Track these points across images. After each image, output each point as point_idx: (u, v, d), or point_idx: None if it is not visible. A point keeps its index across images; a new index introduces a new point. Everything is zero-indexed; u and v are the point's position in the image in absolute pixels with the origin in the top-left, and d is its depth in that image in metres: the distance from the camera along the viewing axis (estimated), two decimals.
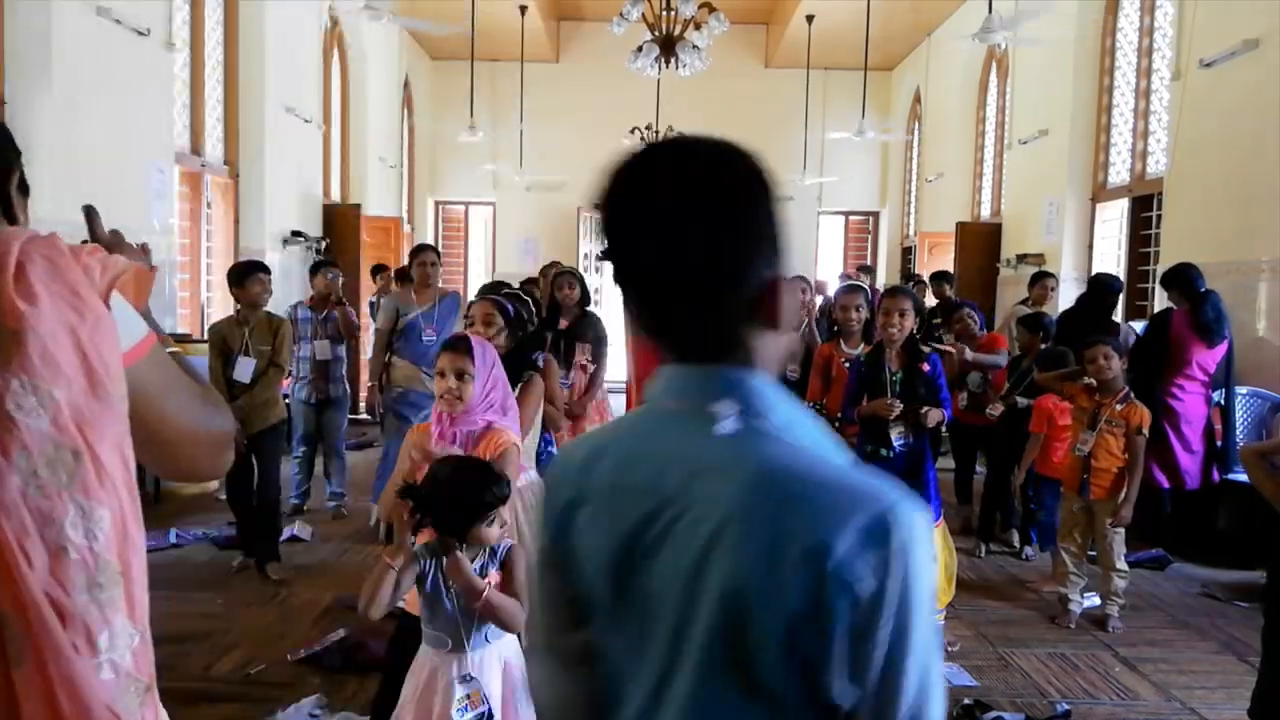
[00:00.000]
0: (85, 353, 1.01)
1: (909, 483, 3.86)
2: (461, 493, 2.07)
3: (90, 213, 1.36)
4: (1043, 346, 5.17)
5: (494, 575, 2.13)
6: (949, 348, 5.32)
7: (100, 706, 1.02)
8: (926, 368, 3.87)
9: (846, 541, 0.74)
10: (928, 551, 0.77)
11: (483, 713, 2.05)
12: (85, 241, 1.33)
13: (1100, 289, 5.66)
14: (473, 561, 2.12)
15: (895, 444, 3.86)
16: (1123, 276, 7.74)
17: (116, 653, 1.05)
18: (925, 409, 3.73)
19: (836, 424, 4.33)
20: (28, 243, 1.02)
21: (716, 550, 0.78)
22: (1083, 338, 4.94)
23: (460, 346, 2.46)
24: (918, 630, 0.76)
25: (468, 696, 2.05)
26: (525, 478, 3.15)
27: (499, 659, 2.17)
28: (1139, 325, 6.31)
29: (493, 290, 4.50)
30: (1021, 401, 5.10)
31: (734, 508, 0.78)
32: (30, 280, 0.99)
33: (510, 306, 3.25)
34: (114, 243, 1.33)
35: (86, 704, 1.00)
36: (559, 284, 5.34)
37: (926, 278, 8.83)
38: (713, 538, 0.79)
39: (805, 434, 0.85)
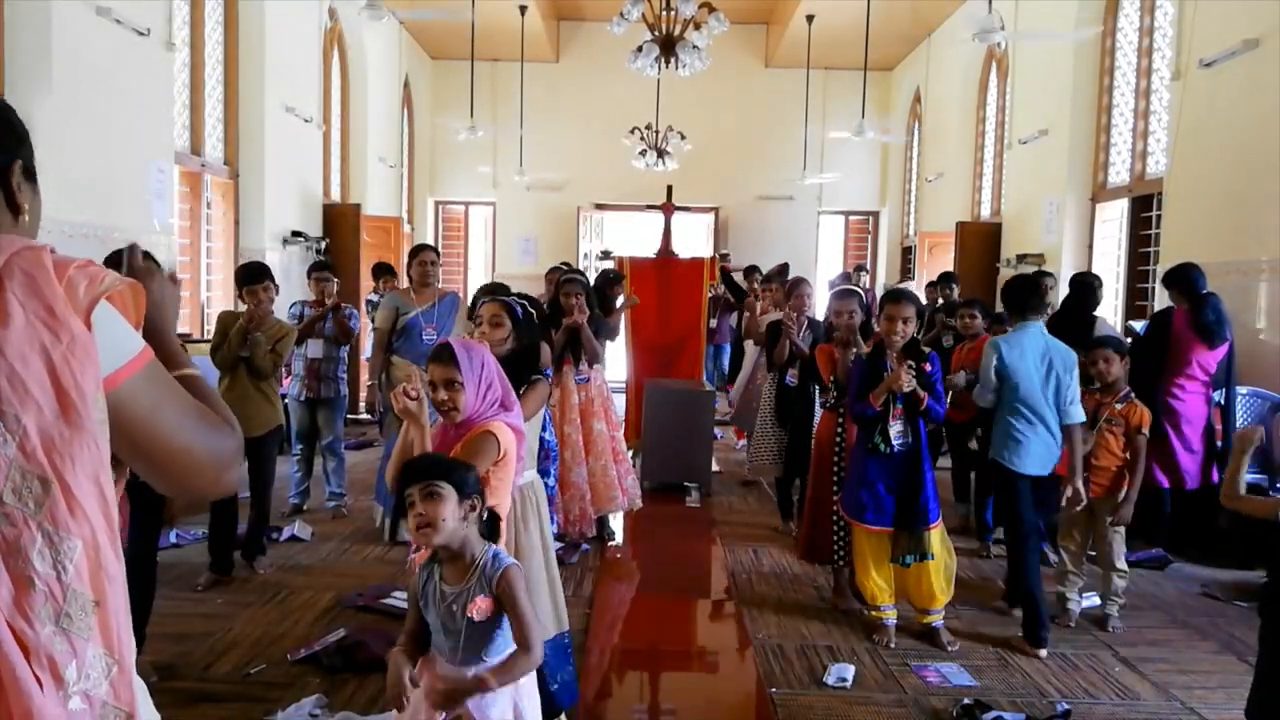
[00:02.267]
0: (58, 376, 0.98)
1: (907, 481, 3.92)
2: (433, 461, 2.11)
3: (132, 250, 1.35)
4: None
5: (481, 601, 2.06)
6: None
7: None
8: (927, 367, 3.88)
9: (1071, 359, 3.96)
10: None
11: None
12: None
13: (1080, 289, 5.69)
14: (463, 582, 2.08)
15: (894, 442, 3.86)
16: (1123, 276, 7.76)
17: (90, 683, 1.02)
18: (907, 366, 3.74)
19: (840, 424, 4.34)
20: (14, 256, 0.99)
21: (1044, 359, 3.94)
22: (1067, 339, 5.01)
23: (444, 356, 2.38)
24: (1076, 378, 3.99)
25: (456, 718, 2.05)
26: (525, 476, 3.15)
27: None
28: (1139, 325, 6.33)
29: (492, 292, 4.49)
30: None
31: (1049, 348, 3.96)
32: (5, 298, 0.96)
33: (518, 307, 3.23)
34: (145, 272, 1.30)
35: None
36: (565, 292, 5.32)
37: (936, 279, 8.83)
38: (1044, 355, 3.95)
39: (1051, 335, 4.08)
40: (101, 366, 1.03)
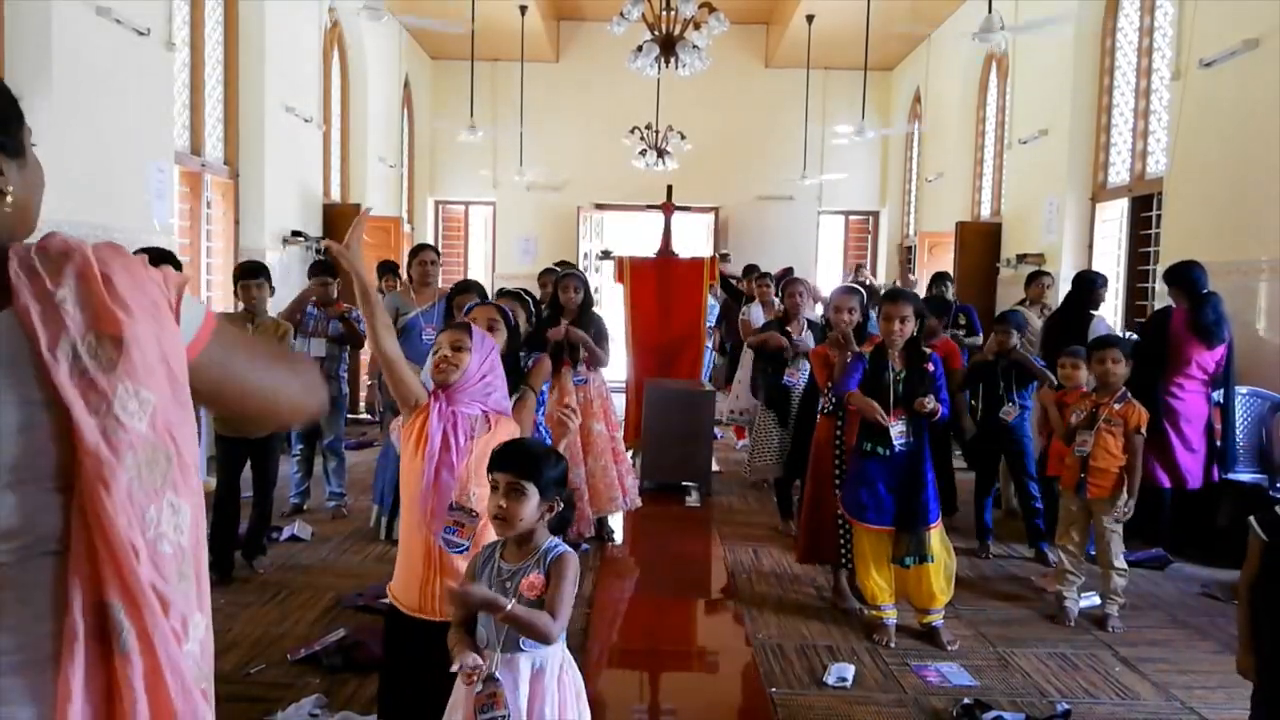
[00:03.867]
0: (169, 362, 1.11)
1: (908, 480, 3.93)
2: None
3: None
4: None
5: (535, 577, 2.08)
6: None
7: (194, 689, 1.11)
8: (930, 368, 3.87)
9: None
10: None
11: (502, 715, 2.00)
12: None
13: (1079, 286, 5.68)
14: (522, 562, 2.10)
15: (896, 443, 3.86)
16: (1123, 276, 7.76)
17: (193, 642, 1.14)
18: (925, 399, 3.76)
19: (839, 427, 4.34)
20: (98, 250, 1.08)
21: None
22: (1065, 337, 5.01)
23: (462, 327, 2.48)
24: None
25: (491, 695, 2.02)
26: None
27: (531, 666, 2.09)
28: (1132, 336, 6.33)
29: (467, 289, 4.49)
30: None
31: None
32: (120, 291, 1.07)
33: (510, 313, 3.26)
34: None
35: (187, 685, 1.10)
36: (563, 285, 5.32)
37: (929, 279, 8.83)
38: None
39: None
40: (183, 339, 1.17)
